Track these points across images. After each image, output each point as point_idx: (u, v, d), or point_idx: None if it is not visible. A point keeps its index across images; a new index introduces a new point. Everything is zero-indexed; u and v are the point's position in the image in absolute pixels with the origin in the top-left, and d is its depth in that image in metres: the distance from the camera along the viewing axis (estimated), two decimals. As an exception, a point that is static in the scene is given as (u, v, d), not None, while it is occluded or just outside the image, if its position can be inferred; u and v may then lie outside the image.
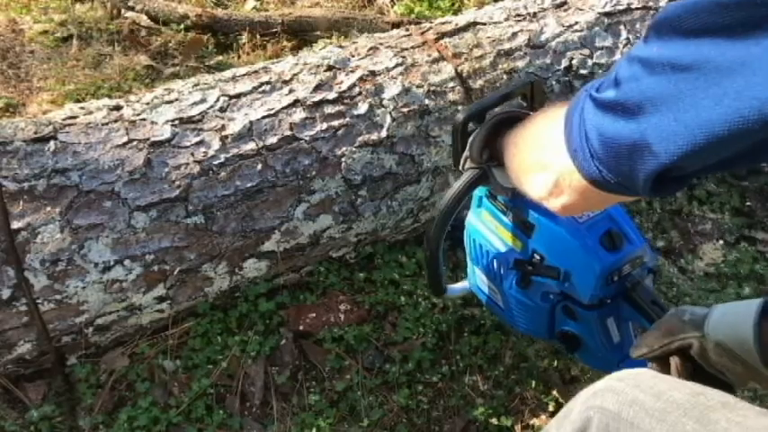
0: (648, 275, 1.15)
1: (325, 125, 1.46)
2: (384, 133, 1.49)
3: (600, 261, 1.09)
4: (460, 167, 1.12)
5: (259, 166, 1.40)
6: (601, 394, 0.80)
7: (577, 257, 1.11)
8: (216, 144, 1.39)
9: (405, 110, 1.52)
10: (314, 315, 1.51)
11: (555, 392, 1.42)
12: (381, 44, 1.64)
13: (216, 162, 1.38)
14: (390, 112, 1.51)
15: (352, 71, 1.55)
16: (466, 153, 1.09)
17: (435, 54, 1.61)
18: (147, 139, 1.36)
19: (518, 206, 1.15)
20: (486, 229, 1.24)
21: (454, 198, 1.10)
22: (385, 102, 1.51)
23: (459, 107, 1.56)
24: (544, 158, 0.78)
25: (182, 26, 2.39)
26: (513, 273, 1.19)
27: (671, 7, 0.58)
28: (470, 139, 1.08)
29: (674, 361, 0.88)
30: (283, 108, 1.46)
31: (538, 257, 1.16)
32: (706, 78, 0.54)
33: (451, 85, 1.57)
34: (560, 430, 0.83)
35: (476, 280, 1.32)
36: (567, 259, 1.12)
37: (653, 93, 0.59)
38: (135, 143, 1.35)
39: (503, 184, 1.07)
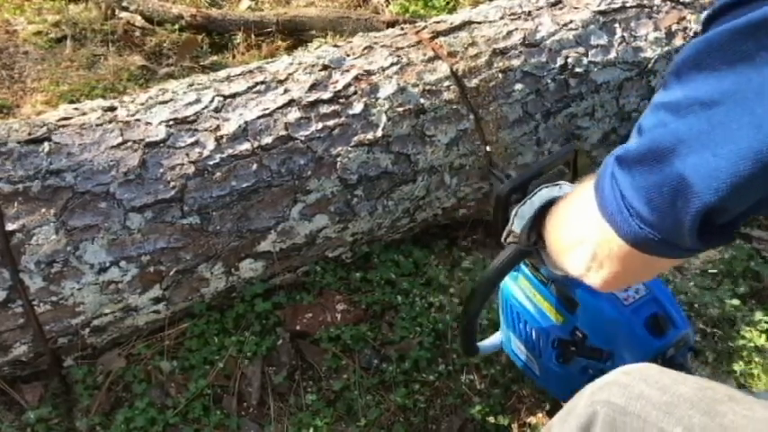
0: (689, 354, 1.15)
1: (320, 125, 1.46)
2: (379, 132, 1.49)
3: (645, 347, 1.08)
4: (503, 240, 1.08)
5: (254, 167, 1.40)
6: (607, 388, 0.80)
7: (622, 341, 1.11)
8: (211, 144, 1.39)
9: (400, 109, 1.52)
10: (310, 315, 1.51)
11: (552, 391, 1.42)
12: (376, 43, 1.64)
13: (211, 162, 1.37)
14: (386, 112, 1.50)
15: (347, 70, 1.54)
16: (509, 227, 1.05)
17: (430, 53, 1.61)
18: (142, 139, 1.36)
19: (561, 281, 1.14)
20: (524, 297, 1.22)
21: (497, 273, 1.08)
22: (380, 101, 1.51)
23: (455, 106, 1.56)
24: (579, 233, 0.77)
25: (176, 26, 2.39)
26: (553, 348, 1.19)
27: (687, 50, 0.58)
28: (513, 211, 1.04)
29: None
30: (278, 108, 1.45)
31: (580, 335, 1.15)
32: (737, 109, 0.54)
33: (447, 84, 1.57)
34: (564, 425, 0.83)
35: (510, 344, 1.31)
36: (611, 342, 1.12)
37: (685, 134, 0.58)
38: (130, 144, 1.35)
39: (552, 267, 1.04)
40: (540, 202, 1.00)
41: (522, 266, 1.21)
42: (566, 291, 1.15)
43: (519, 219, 1.03)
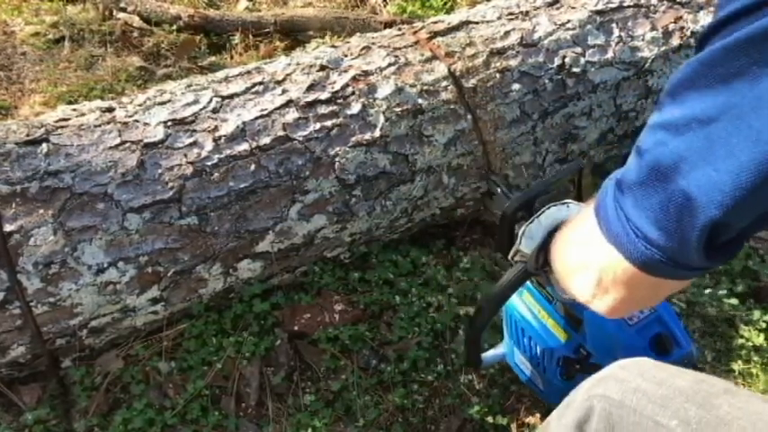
0: None
1: (318, 125, 1.46)
2: (377, 133, 1.49)
3: None
4: (509, 259, 1.09)
5: (252, 167, 1.40)
6: (604, 383, 0.81)
7: None
8: (209, 145, 1.39)
9: (398, 109, 1.52)
10: (309, 315, 1.51)
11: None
12: (374, 44, 1.64)
13: (209, 163, 1.37)
14: (383, 112, 1.50)
15: (344, 71, 1.54)
16: (516, 245, 1.05)
17: (428, 53, 1.61)
18: (140, 140, 1.36)
19: (567, 302, 1.15)
20: (529, 312, 1.23)
21: (505, 291, 1.08)
22: (378, 101, 1.51)
23: (452, 106, 1.56)
24: (583, 257, 0.76)
25: (174, 27, 2.39)
26: (557, 365, 1.20)
27: (681, 71, 0.59)
28: (520, 230, 1.04)
29: None
30: (276, 108, 1.45)
31: (584, 353, 1.16)
32: (734, 123, 0.55)
33: (444, 84, 1.57)
34: (562, 420, 0.83)
35: (513, 357, 1.32)
36: (615, 360, 1.13)
37: (685, 151, 0.58)
38: (128, 145, 1.35)
39: (560, 290, 1.04)
40: (549, 224, 1.00)
41: (528, 282, 1.20)
42: (570, 308, 1.15)
43: (527, 238, 1.02)
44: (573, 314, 1.16)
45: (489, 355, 1.36)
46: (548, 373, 1.23)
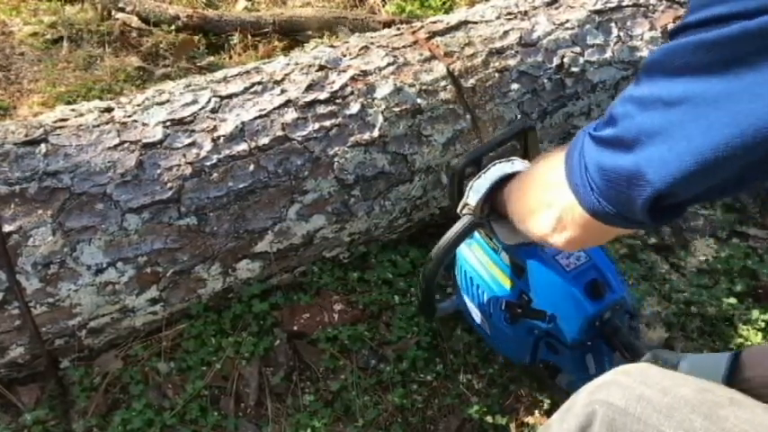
0: (626, 317, 1.23)
1: (317, 125, 1.46)
2: (376, 133, 1.49)
3: (584, 310, 1.17)
4: (458, 212, 1.18)
5: (251, 167, 1.40)
6: (606, 388, 0.80)
7: (564, 304, 1.19)
8: (208, 145, 1.38)
9: (397, 109, 1.52)
10: (308, 315, 1.51)
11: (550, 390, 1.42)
12: (373, 43, 1.64)
13: (208, 163, 1.37)
14: (382, 112, 1.50)
15: (343, 71, 1.54)
16: (464, 199, 1.14)
17: (427, 53, 1.61)
18: (139, 140, 1.36)
19: (511, 249, 1.23)
20: (478, 263, 1.32)
21: (451, 243, 1.18)
22: (377, 101, 1.51)
23: (451, 106, 1.56)
24: (547, 197, 0.83)
25: (173, 27, 2.39)
26: (501, 310, 1.26)
27: (659, 51, 0.63)
28: (469, 185, 1.13)
29: None
30: (275, 108, 1.45)
31: (526, 298, 1.24)
32: (694, 111, 0.59)
33: (443, 83, 1.57)
34: (563, 424, 0.82)
35: (465, 305, 1.42)
36: (553, 304, 1.21)
37: (647, 127, 0.64)
38: (126, 145, 1.35)
39: (502, 237, 1.15)
40: (494, 177, 1.09)
41: (476, 235, 1.31)
42: (514, 257, 1.24)
43: (474, 192, 1.12)
44: (516, 262, 1.24)
45: (443, 305, 1.45)
46: (494, 318, 1.31)
